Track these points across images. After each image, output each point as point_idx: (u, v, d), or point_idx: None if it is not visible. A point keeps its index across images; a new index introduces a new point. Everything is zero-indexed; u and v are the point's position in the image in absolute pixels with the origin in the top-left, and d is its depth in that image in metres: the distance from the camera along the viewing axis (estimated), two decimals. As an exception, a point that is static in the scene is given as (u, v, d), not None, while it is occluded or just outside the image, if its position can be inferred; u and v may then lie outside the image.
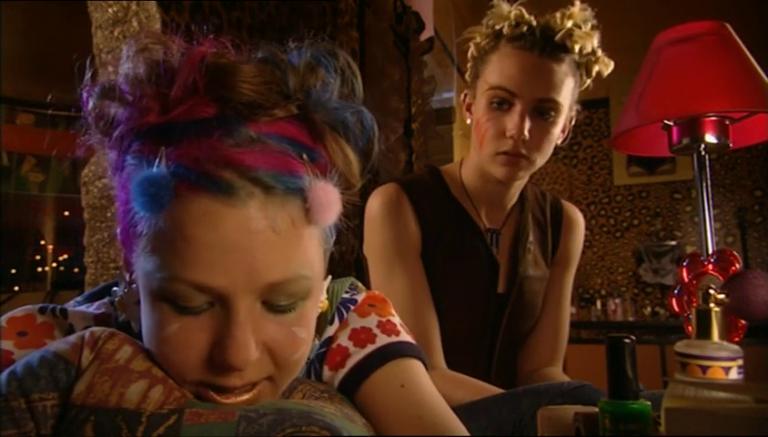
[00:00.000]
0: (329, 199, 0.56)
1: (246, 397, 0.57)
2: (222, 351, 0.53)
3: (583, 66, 1.22)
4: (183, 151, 0.51)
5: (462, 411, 1.16)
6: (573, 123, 1.31)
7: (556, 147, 1.27)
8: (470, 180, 1.32)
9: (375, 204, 1.30)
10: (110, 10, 1.77)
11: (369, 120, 0.63)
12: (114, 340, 0.55)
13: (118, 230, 0.59)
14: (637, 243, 4.85)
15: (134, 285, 0.60)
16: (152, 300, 0.55)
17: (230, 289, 0.52)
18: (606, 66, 1.22)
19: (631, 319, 4.56)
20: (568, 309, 1.43)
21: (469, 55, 1.28)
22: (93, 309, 0.68)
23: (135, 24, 1.75)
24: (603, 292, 4.85)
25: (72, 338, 0.55)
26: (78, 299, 0.73)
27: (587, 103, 1.25)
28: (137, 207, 0.51)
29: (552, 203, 1.45)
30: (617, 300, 4.62)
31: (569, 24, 1.16)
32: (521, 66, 1.17)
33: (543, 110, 1.18)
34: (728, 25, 1.03)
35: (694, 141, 0.97)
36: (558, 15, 1.17)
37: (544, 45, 1.16)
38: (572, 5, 1.18)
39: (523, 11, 1.19)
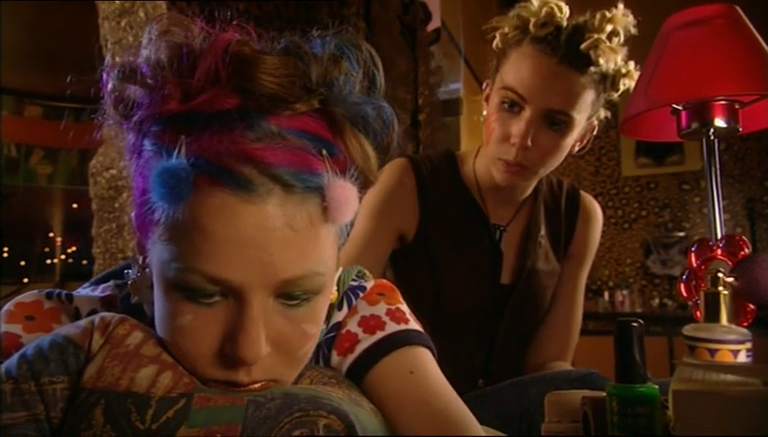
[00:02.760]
0: (348, 198, 0.55)
1: (257, 386, 0.57)
2: (234, 345, 0.53)
3: (609, 79, 1.14)
4: (204, 143, 0.51)
5: (470, 399, 1.17)
6: (595, 132, 1.26)
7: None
8: (482, 171, 1.29)
9: (381, 173, 1.30)
10: (117, 1, 1.78)
11: (389, 115, 0.62)
12: (124, 325, 0.56)
13: (133, 214, 0.59)
14: (645, 234, 4.84)
15: (147, 269, 0.60)
16: (166, 289, 0.54)
17: (245, 283, 0.52)
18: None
19: (638, 310, 4.55)
20: (580, 305, 1.39)
21: (494, 45, 1.21)
22: (98, 292, 0.68)
23: (141, 14, 1.75)
24: (611, 284, 4.84)
25: (82, 322, 0.56)
26: (84, 285, 0.73)
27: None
28: (155, 197, 0.51)
29: (569, 193, 1.40)
30: (625, 292, 4.61)
31: (608, 28, 1.09)
32: (537, 71, 1.11)
33: (554, 121, 1.12)
34: (738, 9, 1.01)
35: (703, 126, 0.95)
36: (598, 16, 1.10)
37: (566, 53, 1.09)
38: (615, 6, 1.10)
39: (555, 10, 1.10)
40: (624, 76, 1.15)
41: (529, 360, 1.37)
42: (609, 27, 1.09)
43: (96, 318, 0.55)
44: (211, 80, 0.52)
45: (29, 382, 0.51)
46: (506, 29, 1.18)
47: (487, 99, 1.25)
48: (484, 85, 1.26)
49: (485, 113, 1.24)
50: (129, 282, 0.63)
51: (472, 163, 1.32)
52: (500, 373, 1.28)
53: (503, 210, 1.32)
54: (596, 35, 1.08)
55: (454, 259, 1.27)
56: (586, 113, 1.16)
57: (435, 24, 2.98)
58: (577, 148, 1.24)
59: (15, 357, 0.52)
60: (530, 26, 1.12)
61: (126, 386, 0.51)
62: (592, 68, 1.10)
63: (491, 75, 1.24)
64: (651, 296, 4.74)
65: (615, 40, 1.11)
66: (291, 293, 0.55)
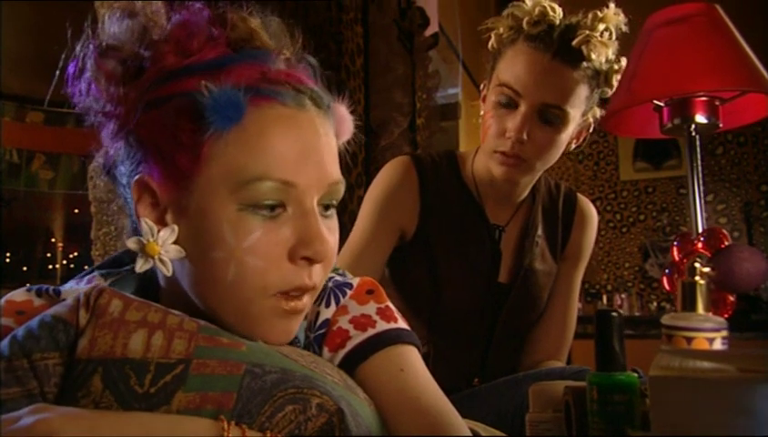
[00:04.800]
0: (347, 116, 0.68)
1: (305, 300, 0.63)
2: (306, 245, 0.59)
3: (602, 75, 1.17)
4: (239, 73, 0.58)
5: (464, 397, 1.18)
6: (592, 129, 1.27)
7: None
8: (480, 170, 1.31)
9: (384, 170, 1.32)
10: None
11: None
12: (104, 295, 0.57)
13: (154, 177, 0.61)
14: (643, 238, 4.83)
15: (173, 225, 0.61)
16: (228, 216, 0.58)
17: (308, 185, 0.60)
18: None
19: (637, 313, 4.54)
20: (575, 305, 1.41)
21: (489, 45, 1.24)
22: (83, 284, 0.69)
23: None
24: (609, 287, 4.83)
25: (69, 301, 0.57)
26: (69, 282, 0.74)
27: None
28: (218, 121, 0.56)
29: (566, 196, 1.42)
30: (623, 295, 4.60)
31: (600, 26, 1.12)
32: (531, 68, 1.14)
33: (549, 115, 1.15)
34: (718, 7, 1.03)
35: (685, 121, 0.98)
36: (590, 15, 1.13)
37: (559, 49, 1.12)
38: (606, 6, 1.13)
39: (548, 9, 1.14)
40: (617, 71, 1.18)
41: (524, 360, 1.38)
42: (601, 26, 1.12)
43: (81, 295, 0.57)
44: (207, 40, 0.60)
45: (21, 360, 0.53)
46: (500, 29, 1.22)
47: (484, 100, 1.27)
48: (481, 86, 1.29)
49: (482, 113, 1.26)
50: (146, 242, 0.61)
51: (471, 162, 1.34)
52: (496, 372, 1.29)
53: (501, 211, 1.33)
54: (588, 32, 1.11)
55: (453, 258, 1.28)
56: (580, 108, 1.18)
57: (433, 28, 3.00)
58: (573, 146, 1.26)
59: (6, 339, 0.54)
60: (524, 24, 1.15)
61: (122, 352, 0.53)
62: (585, 63, 1.13)
63: (488, 75, 1.26)
64: (649, 299, 4.72)
65: (606, 36, 1.13)
66: (330, 200, 0.63)
